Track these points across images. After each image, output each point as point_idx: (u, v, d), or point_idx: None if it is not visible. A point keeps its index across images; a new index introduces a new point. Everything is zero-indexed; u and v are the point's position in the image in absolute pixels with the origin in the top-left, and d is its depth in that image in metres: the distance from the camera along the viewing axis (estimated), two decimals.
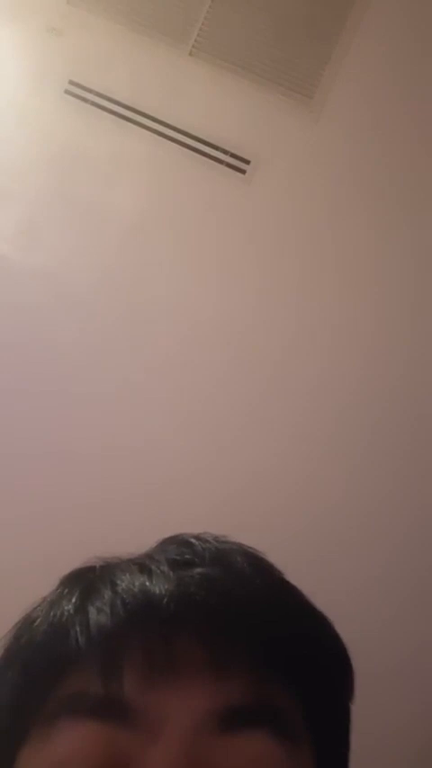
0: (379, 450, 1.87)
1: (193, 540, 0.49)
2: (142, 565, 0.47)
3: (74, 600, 0.46)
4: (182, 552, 0.47)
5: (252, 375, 1.92)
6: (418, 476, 1.86)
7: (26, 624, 0.48)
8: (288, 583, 0.49)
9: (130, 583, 0.45)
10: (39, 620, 0.47)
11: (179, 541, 0.49)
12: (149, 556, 0.48)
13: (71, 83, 1.96)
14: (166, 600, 0.43)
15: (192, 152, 1.94)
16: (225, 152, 1.94)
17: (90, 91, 1.95)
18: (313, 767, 0.44)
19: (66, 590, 0.48)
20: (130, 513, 1.81)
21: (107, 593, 0.45)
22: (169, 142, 1.94)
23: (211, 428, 1.92)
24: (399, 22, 1.89)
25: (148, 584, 0.44)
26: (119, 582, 0.45)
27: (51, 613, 0.46)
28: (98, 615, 0.44)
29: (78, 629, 0.44)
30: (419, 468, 1.86)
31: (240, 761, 0.40)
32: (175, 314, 1.94)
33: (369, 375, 1.89)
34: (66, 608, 0.46)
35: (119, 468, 1.90)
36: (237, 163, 1.95)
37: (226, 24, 1.91)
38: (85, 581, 0.48)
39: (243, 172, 1.95)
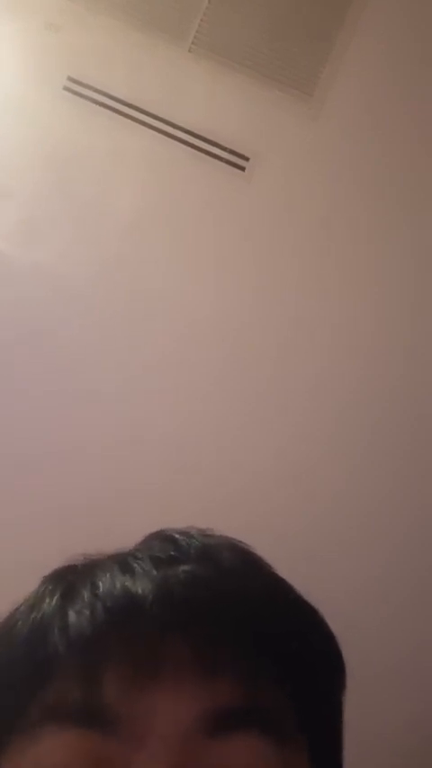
0: (378, 450, 1.87)
1: (177, 536, 0.47)
2: (124, 563, 0.45)
3: (53, 602, 0.44)
4: (165, 549, 0.46)
5: (250, 372, 1.91)
6: (418, 475, 1.86)
7: (7, 626, 0.46)
8: (277, 577, 0.47)
9: (111, 584, 0.43)
10: (19, 622, 0.45)
11: (163, 537, 0.48)
12: (132, 553, 0.47)
13: (70, 79, 1.96)
14: (149, 601, 0.41)
15: (191, 149, 1.93)
16: (224, 149, 1.94)
17: (89, 87, 1.95)
18: (307, 766, 0.42)
19: (46, 590, 0.46)
20: (128, 510, 1.81)
21: (87, 595, 0.43)
22: (168, 139, 1.94)
23: (210, 425, 1.91)
24: (398, 20, 1.88)
25: (129, 584, 0.43)
26: (99, 583, 0.44)
27: (32, 616, 0.45)
28: (78, 618, 0.42)
29: (58, 633, 0.42)
30: (419, 467, 1.86)
31: (230, 765, 0.39)
32: (174, 311, 1.94)
33: (368, 374, 1.88)
34: (45, 611, 0.44)
35: (116, 465, 1.90)
36: (236, 159, 1.94)
37: (225, 21, 1.90)
38: (65, 581, 0.46)
39: (242, 169, 1.94)
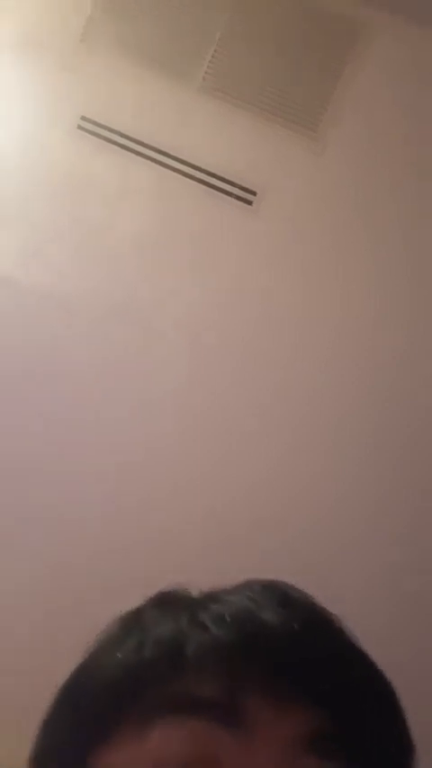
0: (380, 459, 1.91)
1: (279, 584, 0.53)
2: (246, 596, 0.51)
3: (187, 613, 0.50)
4: (273, 594, 0.52)
5: (258, 400, 1.96)
6: (419, 485, 1.89)
7: (129, 628, 0.52)
8: (354, 642, 0.53)
9: (244, 607, 0.50)
10: (145, 629, 0.50)
11: (266, 584, 0.53)
12: (242, 591, 0.52)
13: (83, 118, 2.03)
14: (278, 630, 0.48)
15: (200, 184, 2.00)
16: (232, 184, 2.00)
17: (102, 126, 2.02)
18: None
19: (169, 605, 0.52)
20: (138, 529, 1.86)
21: (221, 611, 0.49)
22: (178, 174, 2.01)
23: (214, 446, 1.95)
24: (401, 60, 1.95)
25: (256, 610, 0.49)
26: (230, 602, 0.50)
27: (162, 623, 0.50)
28: (216, 628, 0.48)
29: (199, 637, 0.48)
30: (419, 476, 1.89)
31: None
32: (182, 341, 1.99)
33: (370, 398, 1.93)
34: (180, 621, 0.50)
35: (124, 484, 1.93)
36: (244, 194, 2.01)
37: (233, 62, 1.97)
38: (188, 600, 0.53)
39: (250, 203, 2.01)
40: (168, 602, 0.53)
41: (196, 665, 0.47)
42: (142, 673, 0.48)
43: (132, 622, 0.52)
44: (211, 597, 0.52)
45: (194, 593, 0.54)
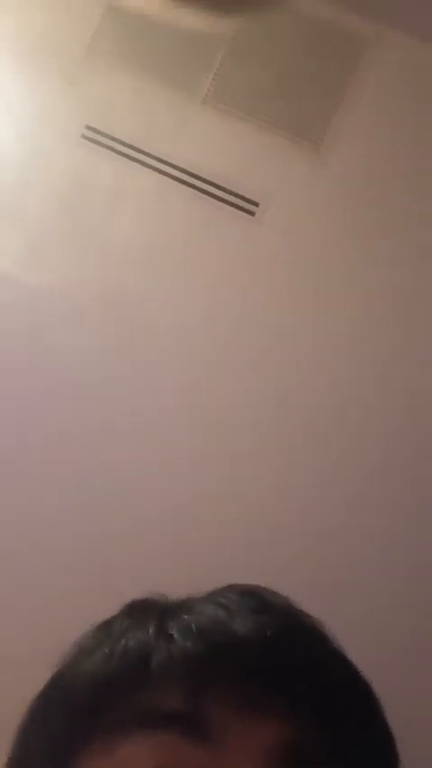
0: (388, 466, 1.90)
1: (259, 591, 0.52)
2: (219, 603, 0.50)
3: (155, 624, 0.49)
4: (248, 600, 0.51)
5: (258, 411, 1.96)
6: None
7: (100, 638, 0.50)
8: (334, 646, 0.53)
9: (213, 617, 0.49)
10: (114, 640, 0.49)
11: (244, 590, 0.52)
12: (218, 597, 0.51)
13: (88, 128, 2.05)
14: (248, 639, 0.47)
15: (202, 193, 2.02)
16: (235, 194, 2.02)
17: (106, 136, 2.04)
18: None
19: (142, 613, 0.51)
20: (142, 545, 1.85)
21: (189, 621, 0.48)
22: (180, 184, 2.02)
23: (215, 456, 1.95)
24: (404, 75, 1.98)
25: (227, 619, 0.48)
26: (199, 612, 0.49)
27: (129, 634, 0.49)
28: (183, 639, 0.47)
29: (165, 649, 0.47)
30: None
31: None
32: (182, 351, 1.99)
33: (377, 415, 1.93)
34: (148, 631, 0.49)
35: (122, 484, 1.92)
36: (245, 204, 2.02)
37: (238, 75, 2.00)
38: (159, 608, 0.51)
39: (252, 213, 2.02)
40: (139, 610, 0.52)
41: (161, 677, 0.46)
42: (109, 685, 0.47)
43: (103, 633, 0.51)
44: (183, 606, 0.51)
45: (170, 599, 0.53)
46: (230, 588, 0.53)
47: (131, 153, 2.03)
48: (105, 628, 0.52)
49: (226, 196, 2.01)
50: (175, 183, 2.02)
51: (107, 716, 0.45)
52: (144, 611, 0.52)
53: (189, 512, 1.88)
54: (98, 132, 2.05)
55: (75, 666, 0.50)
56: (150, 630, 0.49)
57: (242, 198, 2.01)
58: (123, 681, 0.46)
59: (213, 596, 0.52)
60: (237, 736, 0.44)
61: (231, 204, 2.01)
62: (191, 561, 1.79)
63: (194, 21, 1.85)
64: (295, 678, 0.46)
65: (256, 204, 2.01)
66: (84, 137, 2.05)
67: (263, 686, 0.45)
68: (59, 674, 0.51)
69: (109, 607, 0.55)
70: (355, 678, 0.50)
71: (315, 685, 0.47)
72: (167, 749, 0.43)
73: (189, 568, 1.72)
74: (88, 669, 0.48)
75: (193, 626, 0.48)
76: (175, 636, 0.47)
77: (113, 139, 2.04)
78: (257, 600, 0.51)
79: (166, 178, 2.02)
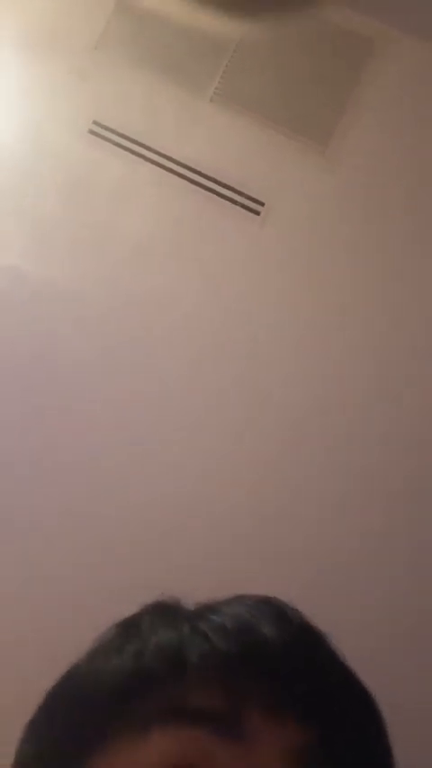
0: (389, 480, 1.90)
1: (272, 599, 0.54)
2: (243, 608, 0.52)
3: (187, 623, 0.51)
4: (268, 607, 0.52)
5: (263, 411, 1.96)
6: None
7: (126, 636, 0.51)
8: (342, 659, 0.54)
9: (244, 619, 0.50)
10: (144, 638, 0.50)
11: (260, 598, 0.54)
12: (240, 604, 0.53)
13: (95, 123, 2.05)
14: (277, 644, 0.49)
15: (207, 192, 2.02)
16: (240, 193, 2.02)
17: (113, 131, 2.04)
18: None
19: (166, 614, 0.52)
20: (142, 545, 1.85)
21: (221, 621, 0.50)
22: (186, 181, 2.03)
23: (217, 453, 1.95)
24: (412, 77, 1.98)
25: (258, 625, 0.50)
26: (228, 614, 0.51)
27: (160, 632, 0.50)
28: (216, 638, 0.49)
29: (200, 647, 0.48)
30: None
31: None
32: (185, 350, 1.99)
33: (384, 413, 1.93)
34: (181, 630, 0.50)
35: (121, 485, 1.92)
36: (251, 204, 2.02)
37: (245, 75, 2.00)
38: (185, 609, 0.53)
39: (257, 213, 2.02)
40: (167, 610, 0.53)
41: (197, 674, 0.47)
42: (142, 679, 0.48)
43: (131, 629, 0.52)
44: (209, 608, 0.53)
45: (188, 603, 0.54)
46: (246, 597, 0.54)
47: (138, 149, 2.04)
48: (130, 626, 0.53)
49: (231, 195, 2.01)
50: (181, 180, 2.02)
51: (139, 709, 0.46)
52: (169, 611, 0.53)
53: (189, 512, 1.88)
54: (105, 128, 2.05)
55: (102, 661, 0.51)
56: (184, 629, 0.50)
57: (248, 197, 2.01)
58: (158, 675, 0.47)
59: (234, 602, 0.53)
60: (265, 737, 0.45)
61: (237, 203, 2.01)
62: (191, 561, 1.79)
63: (204, 19, 1.86)
64: (314, 686, 0.48)
65: (262, 204, 2.01)
66: (91, 132, 2.05)
67: (287, 691, 0.47)
68: (82, 669, 0.51)
69: (109, 607, 0.55)
70: (361, 690, 0.52)
71: (330, 693, 0.49)
72: (201, 745, 0.45)
73: (189, 568, 1.73)
74: (117, 665, 0.49)
75: (226, 626, 0.49)
76: (210, 635, 0.49)
77: (120, 135, 2.05)
78: (275, 608, 0.52)
79: (171, 175, 2.02)
